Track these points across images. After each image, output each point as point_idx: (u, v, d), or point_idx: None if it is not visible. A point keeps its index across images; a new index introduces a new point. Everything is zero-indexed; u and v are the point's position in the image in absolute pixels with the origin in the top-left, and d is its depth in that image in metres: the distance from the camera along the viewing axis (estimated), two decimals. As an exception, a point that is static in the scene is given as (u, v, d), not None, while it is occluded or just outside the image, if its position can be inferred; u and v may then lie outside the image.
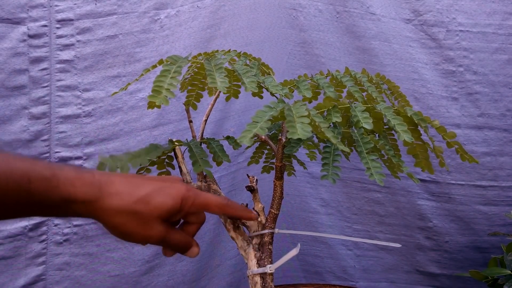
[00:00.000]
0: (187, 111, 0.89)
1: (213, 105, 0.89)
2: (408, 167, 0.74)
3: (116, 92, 0.82)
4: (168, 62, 0.66)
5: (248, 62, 0.82)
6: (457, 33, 1.25)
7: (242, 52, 0.84)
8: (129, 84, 0.82)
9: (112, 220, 0.56)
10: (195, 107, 0.89)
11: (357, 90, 0.78)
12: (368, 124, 0.72)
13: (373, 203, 1.40)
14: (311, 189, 1.43)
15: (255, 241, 0.78)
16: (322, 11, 1.30)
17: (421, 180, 1.35)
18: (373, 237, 1.42)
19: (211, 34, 1.22)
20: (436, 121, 0.78)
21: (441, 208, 1.35)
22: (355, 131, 0.75)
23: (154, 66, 0.75)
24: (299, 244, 0.78)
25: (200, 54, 0.83)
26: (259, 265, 0.76)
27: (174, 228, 0.61)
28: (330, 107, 0.77)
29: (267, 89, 0.75)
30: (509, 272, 1.09)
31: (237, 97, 0.91)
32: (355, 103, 0.76)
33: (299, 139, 0.74)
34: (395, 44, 1.27)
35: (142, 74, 0.77)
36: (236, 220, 0.80)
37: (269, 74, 0.85)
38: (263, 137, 0.81)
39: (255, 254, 0.77)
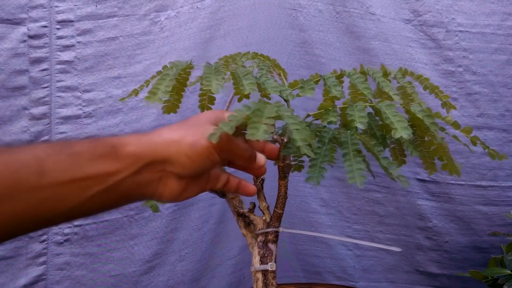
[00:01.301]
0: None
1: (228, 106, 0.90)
2: (399, 169, 0.73)
3: (124, 98, 0.83)
4: (169, 67, 0.69)
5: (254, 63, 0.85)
6: (456, 33, 1.25)
7: (259, 54, 0.88)
8: (137, 91, 0.83)
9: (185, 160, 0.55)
10: (209, 110, 0.89)
11: (366, 87, 0.78)
12: (362, 124, 0.72)
13: (373, 203, 1.40)
14: (311, 189, 1.43)
15: (260, 238, 0.80)
16: (322, 11, 1.30)
17: (421, 180, 1.35)
18: (373, 237, 1.42)
19: (210, 35, 1.22)
20: (449, 117, 0.77)
21: (441, 208, 1.35)
22: (347, 131, 0.75)
23: (160, 73, 0.76)
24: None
25: (221, 59, 0.87)
26: (262, 262, 0.79)
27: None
28: (330, 107, 0.77)
29: (265, 91, 0.76)
30: (509, 272, 1.09)
31: (248, 97, 0.91)
32: (357, 104, 0.76)
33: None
34: (395, 44, 1.27)
35: (148, 81, 0.79)
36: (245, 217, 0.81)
37: (279, 75, 0.87)
38: (275, 136, 0.81)
39: (258, 252, 0.79)
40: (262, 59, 0.87)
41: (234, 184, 0.65)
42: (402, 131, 0.69)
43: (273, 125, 0.62)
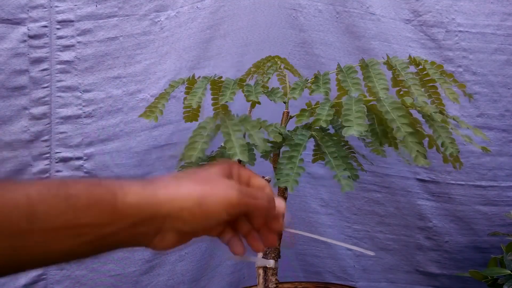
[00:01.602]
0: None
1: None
2: (344, 172, 0.72)
3: (142, 115, 0.85)
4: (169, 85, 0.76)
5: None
6: (456, 33, 1.25)
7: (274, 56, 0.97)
8: (152, 114, 0.84)
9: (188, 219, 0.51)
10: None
11: (356, 82, 0.79)
12: (325, 123, 0.71)
13: (373, 203, 1.40)
14: (311, 189, 1.43)
15: None
16: (322, 11, 1.30)
17: (421, 180, 1.35)
18: (373, 237, 1.42)
19: (210, 35, 1.22)
20: (427, 107, 0.77)
21: (441, 208, 1.35)
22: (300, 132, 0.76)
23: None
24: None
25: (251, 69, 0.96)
26: (265, 258, 0.83)
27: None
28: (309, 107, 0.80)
29: (274, 101, 0.82)
30: (509, 272, 1.09)
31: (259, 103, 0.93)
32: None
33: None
34: (394, 44, 1.27)
35: (167, 93, 0.83)
36: None
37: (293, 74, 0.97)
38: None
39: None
40: (276, 61, 0.94)
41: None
42: (357, 128, 0.67)
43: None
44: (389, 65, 0.85)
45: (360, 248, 0.81)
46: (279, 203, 0.59)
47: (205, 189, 0.51)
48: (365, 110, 0.70)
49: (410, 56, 0.88)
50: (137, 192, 0.49)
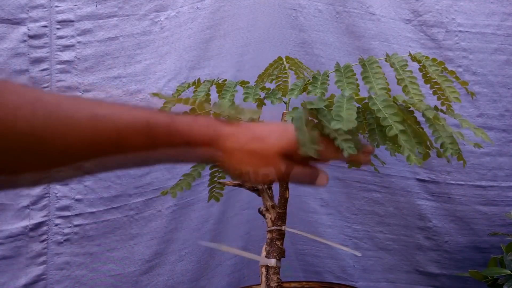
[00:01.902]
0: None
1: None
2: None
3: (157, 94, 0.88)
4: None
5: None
6: (456, 33, 1.25)
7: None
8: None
9: (230, 160, 0.56)
10: None
11: (351, 81, 0.79)
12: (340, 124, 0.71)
13: (373, 203, 1.40)
14: (311, 189, 1.43)
15: (268, 235, 0.86)
16: (322, 11, 1.30)
17: (421, 180, 1.35)
18: (373, 237, 1.42)
19: (210, 35, 1.22)
20: (420, 103, 0.75)
21: (440, 208, 1.35)
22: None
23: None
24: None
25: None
26: (267, 258, 0.85)
27: (295, 163, 0.60)
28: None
29: (272, 103, 0.84)
30: (509, 272, 1.09)
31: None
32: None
33: None
34: (394, 44, 1.27)
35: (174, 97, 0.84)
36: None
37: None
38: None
39: (265, 248, 0.86)
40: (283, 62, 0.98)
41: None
42: (346, 123, 0.65)
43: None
44: (391, 63, 0.85)
45: (347, 248, 0.83)
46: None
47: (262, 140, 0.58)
48: (356, 108, 0.69)
49: (410, 53, 0.88)
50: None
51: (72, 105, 0.48)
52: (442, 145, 0.73)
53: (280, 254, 0.85)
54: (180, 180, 0.90)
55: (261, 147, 0.57)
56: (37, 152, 0.46)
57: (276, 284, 0.83)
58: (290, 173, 0.59)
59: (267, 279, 0.83)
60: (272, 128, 0.60)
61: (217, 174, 0.97)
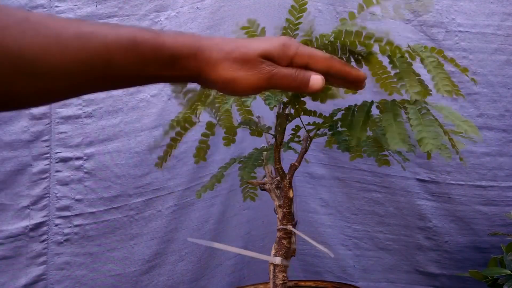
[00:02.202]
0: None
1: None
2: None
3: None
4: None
5: None
6: (456, 33, 1.25)
7: None
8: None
9: (216, 71, 0.56)
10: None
11: None
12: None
13: (373, 203, 1.40)
14: (311, 189, 1.43)
15: (277, 234, 0.88)
16: (322, 11, 1.30)
17: (421, 180, 1.35)
18: (373, 237, 1.43)
19: (210, 35, 1.22)
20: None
21: (441, 208, 1.35)
22: None
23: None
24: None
25: None
26: (275, 256, 0.87)
27: (283, 66, 0.59)
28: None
29: (269, 105, 0.81)
30: (509, 272, 1.09)
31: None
32: None
33: None
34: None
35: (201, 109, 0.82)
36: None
37: None
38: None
39: (274, 246, 0.88)
40: None
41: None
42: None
43: None
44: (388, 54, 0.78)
45: (324, 248, 0.84)
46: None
47: (237, 74, 0.57)
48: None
49: (409, 45, 0.80)
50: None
51: (59, 24, 0.49)
52: (420, 141, 0.66)
53: (287, 253, 0.87)
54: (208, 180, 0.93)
55: (244, 52, 0.57)
56: (28, 74, 0.46)
57: (281, 282, 0.86)
58: (274, 75, 0.58)
59: (274, 276, 0.86)
60: (258, 37, 0.62)
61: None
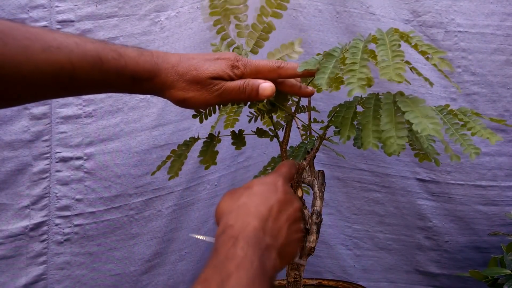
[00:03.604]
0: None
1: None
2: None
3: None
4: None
5: None
6: (455, 33, 1.25)
7: None
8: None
9: (171, 92, 0.64)
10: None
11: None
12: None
13: (373, 203, 1.40)
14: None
15: None
16: (322, 11, 1.30)
17: (421, 180, 1.35)
18: (373, 237, 1.43)
19: (210, 35, 1.22)
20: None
21: (441, 208, 1.36)
22: None
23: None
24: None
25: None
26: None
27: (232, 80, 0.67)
28: None
29: None
30: (509, 272, 1.09)
31: None
32: None
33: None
34: (394, 45, 1.27)
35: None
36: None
37: None
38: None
39: None
40: None
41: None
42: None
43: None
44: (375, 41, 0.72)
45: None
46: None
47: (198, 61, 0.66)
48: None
49: (397, 30, 0.74)
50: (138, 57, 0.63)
51: (27, 36, 0.52)
52: (385, 141, 0.60)
53: (301, 252, 0.87)
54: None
55: (195, 74, 0.64)
56: None
57: (292, 280, 0.86)
58: (225, 88, 0.65)
59: (287, 274, 0.87)
60: (210, 57, 0.66)
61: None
